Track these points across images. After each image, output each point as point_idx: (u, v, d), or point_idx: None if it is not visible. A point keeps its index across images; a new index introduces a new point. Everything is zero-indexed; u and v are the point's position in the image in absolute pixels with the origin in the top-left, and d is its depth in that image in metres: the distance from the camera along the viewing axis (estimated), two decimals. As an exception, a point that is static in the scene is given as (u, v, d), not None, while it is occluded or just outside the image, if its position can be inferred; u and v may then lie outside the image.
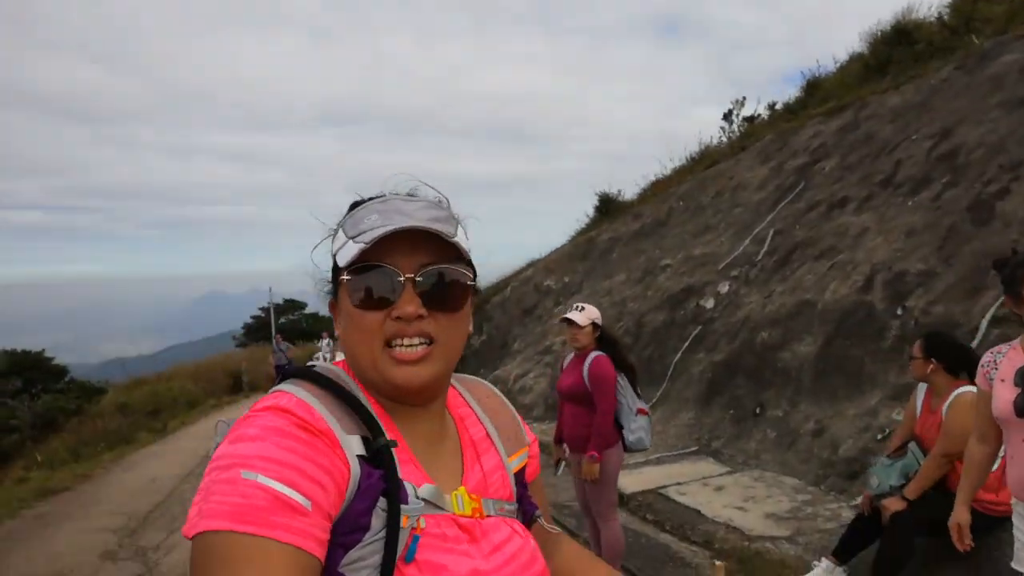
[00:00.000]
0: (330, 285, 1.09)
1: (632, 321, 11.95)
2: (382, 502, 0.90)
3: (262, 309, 44.96)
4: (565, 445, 5.01)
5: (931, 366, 4.24)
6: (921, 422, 4.35)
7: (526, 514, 1.16)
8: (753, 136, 15.95)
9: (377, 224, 0.99)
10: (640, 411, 4.82)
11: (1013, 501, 2.98)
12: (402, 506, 0.91)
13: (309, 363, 1.11)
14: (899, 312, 7.17)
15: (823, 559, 4.65)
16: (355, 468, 0.90)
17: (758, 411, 8.01)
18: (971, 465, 3.13)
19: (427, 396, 1.04)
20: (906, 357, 4.43)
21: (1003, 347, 3.01)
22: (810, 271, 8.97)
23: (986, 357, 3.06)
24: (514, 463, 1.18)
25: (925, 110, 10.29)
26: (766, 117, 17.86)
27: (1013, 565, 3.02)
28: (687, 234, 13.52)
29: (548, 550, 1.18)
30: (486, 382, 1.29)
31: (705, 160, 17.33)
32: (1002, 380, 2.90)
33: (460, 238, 1.04)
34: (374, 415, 0.97)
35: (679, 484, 6.86)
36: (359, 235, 1.00)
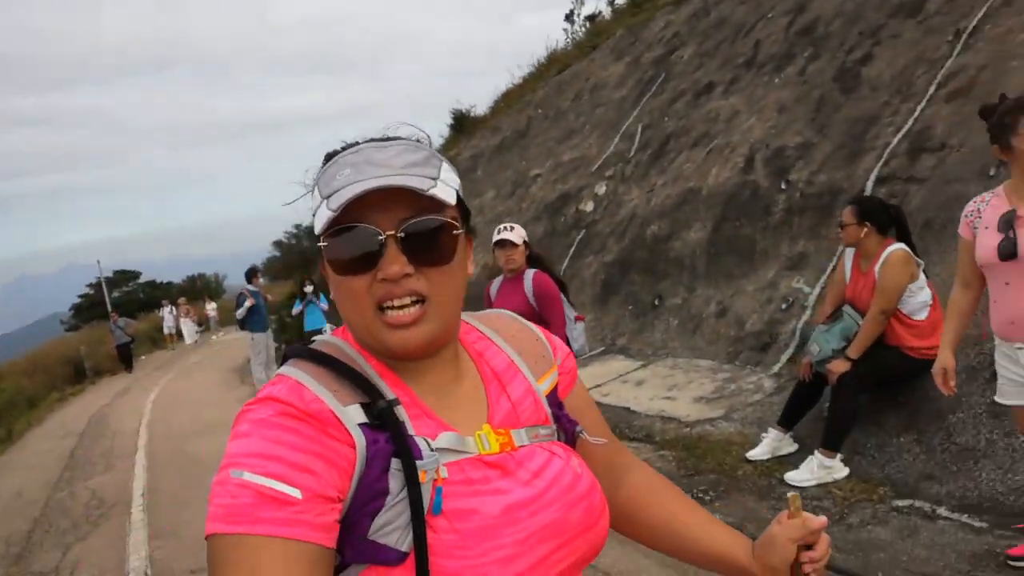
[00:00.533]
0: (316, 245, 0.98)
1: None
2: (396, 463, 0.86)
3: (90, 286, 41.38)
4: None
5: (864, 230, 4.21)
6: (852, 285, 4.33)
7: (566, 432, 1.08)
8: (603, 34, 15.76)
9: (350, 180, 0.91)
10: (578, 318, 4.64)
11: (997, 341, 2.95)
12: (417, 462, 0.86)
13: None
14: (783, 187, 7.27)
15: (770, 429, 4.65)
16: (359, 438, 0.86)
17: (657, 302, 8.02)
18: (955, 312, 3.08)
19: (429, 353, 0.97)
20: (837, 225, 4.38)
21: (986, 195, 2.95)
22: (688, 159, 8.97)
23: (969, 207, 3.00)
24: (544, 384, 1.11)
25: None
26: (609, 14, 17.72)
27: (996, 398, 3.02)
28: (552, 141, 13.29)
29: (616, 475, 1.17)
30: (505, 311, 1.21)
31: (556, 65, 17.05)
32: (986, 227, 2.85)
33: (443, 180, 0.94)
34: (371, 379, 0.93)
35: (599, 386, 6.76)
36: (332, 194, 0.91)
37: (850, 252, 4.44)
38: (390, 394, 0.93)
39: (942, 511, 3.50)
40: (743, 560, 1.09)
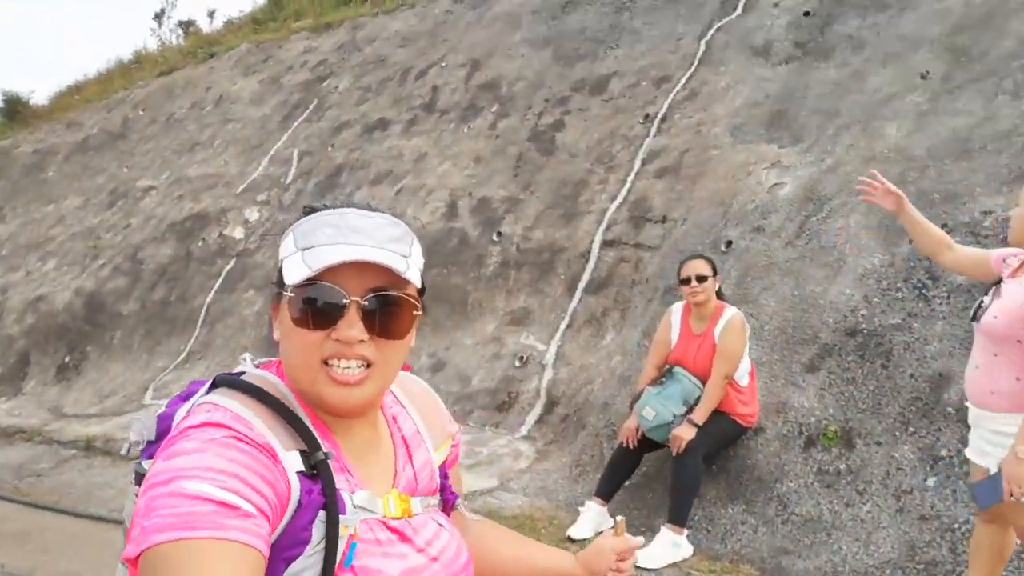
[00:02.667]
0: (275, 286, 1.03)
1: (120, 255, 9.43)
2: (321, 514, 0.91)
3: None
4: None
5: (718, 284, 4.17)
6: (682, 347, 4.24)
7: (446, 503, 1.16)
8: (219, 44, 14.09)
9: (329, 240, 0.96)
10: None
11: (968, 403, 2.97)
12: (341, 516, 0.91)
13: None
14: (495, 238, 7.11)
15: (588, 502, 4.27)
16: (295, 485, 0.90)
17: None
18: None
19: (362, 414, 1.03)
20: (685, 279, 4.18)
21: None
22: (372, 195, 8.29)
23: (1001, 253, 2.99)
24: (439, 455, 1.17)
25: (437, 39, 10.42)
26: (214, 24, 16.05)
27: (966, 452, 3.02)
28: (167, 151, 11.26)
29: (462, 530, 1.20)
30: (415, 376, 1.25)
31: (151, 66, 14.73)
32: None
33: (413, 258, 1.01)
34: (311, 429, 0.96)
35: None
36: (308, 249, 0.96)
37: (677, 309, 4.36)
38: (325, 445, 0.95)
39: (826, 587, 3.51)
40: (572, 570, 1.30)
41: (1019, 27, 5.60)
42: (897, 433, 3.97)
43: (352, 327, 0.94)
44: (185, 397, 1.03)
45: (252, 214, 9.13)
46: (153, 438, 1.01)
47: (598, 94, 8.05)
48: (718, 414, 4.08)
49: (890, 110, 5.80)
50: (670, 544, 3.85)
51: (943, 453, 3.78)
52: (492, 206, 7.41)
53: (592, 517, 4.19)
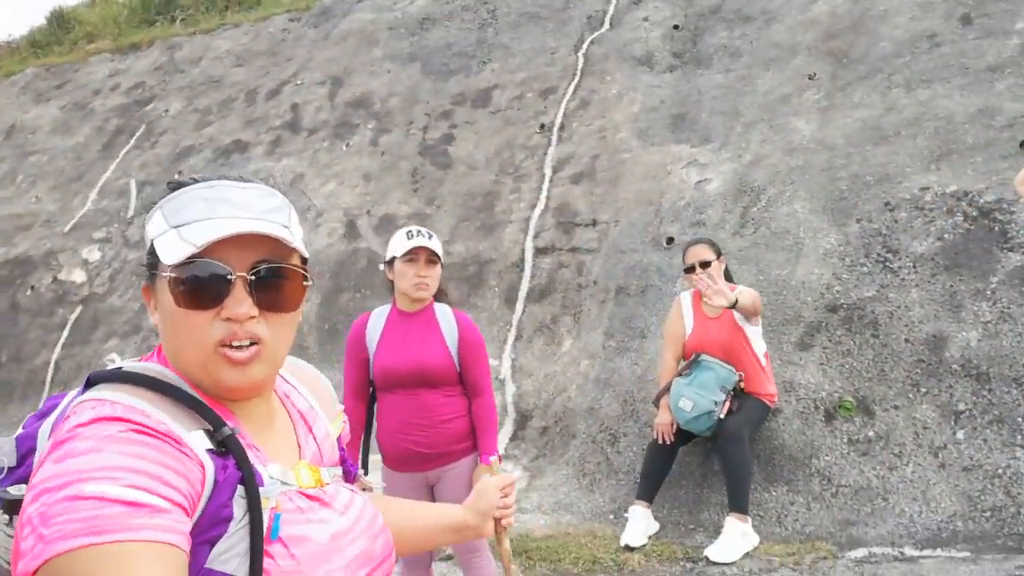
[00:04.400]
0: (146, 268, 0.98)
1: (-88, 319, 7.64)
2: (240, 489, 0.88)
3: None
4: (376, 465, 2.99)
5: (723, 266, 4.15)
6: (699, 333, 4.17)
7: (348, 474, 1.17)
8: (-8, 69, 12.09)
9: (205, 214, 0.92)
10: None
11: None
12: (260, 488, 0.89)
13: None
14: (409, 256, 6.67)
15: (632, 508, 4.05)
16: (208, 464, 0.86)
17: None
18: None
19: (257, 394, 1.01)
20: (690, 267, 4.13)
21: None
22: (248, 223, 7.44)
23: None
24: (335, 428, 1.19)
25: (280, 58, 9.74)
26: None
27: None
28: (-49, 190, 9.39)
29: None
30: (297, 358, 1.23)
31: None
32: None
33: (293, 228, 0.99)
34: (208, 406, 0.92)
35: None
36: (183, 225, 0.92)
37: (686, 298, 4.29)
38: (229, 422, 0.92)
39: (911, 551, 3.57)
40: (463, 517, 1.37)
41: (890, 31, 6.29)
42: (911, 395, 4.18)
43: (241, 303, 0.91)
44: (42, 415, 0.96)
45: (91, 254, 7.82)
46: (14, 463, 0.92)
47: (482, 107, 7.91)
48: (748, 396, 4.06)
49: (790, 107, 6.24)
50: (740, 534, 3.73)
51: (961, 407, 4.04)
52: (397, 223, 6.93)
53: (640, 521, 3.97)
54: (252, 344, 0.93)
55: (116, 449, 0.79)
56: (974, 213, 4.71)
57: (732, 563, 3.63)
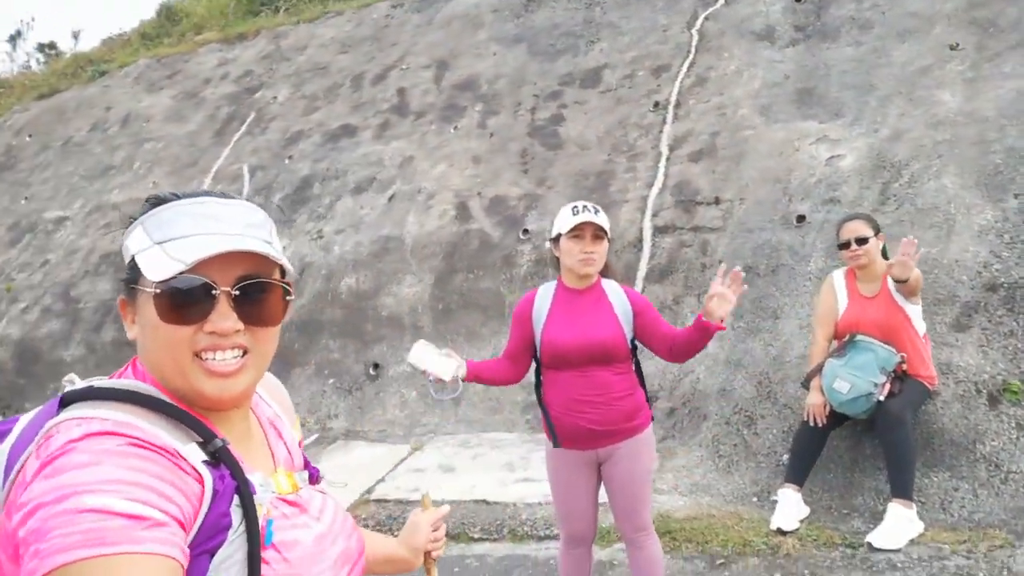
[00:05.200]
0: (124, 283, 0.99)
1: (48, 295, 8.04)
2: (235, 498, 0.90)
3: None
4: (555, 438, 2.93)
5: (881, 243, 3.92)
6: (854, 313, 3.95)
7: (312, 477, 1.16)
8: (108, 62, 12.64)
9: (190, 231, 0.93)
10: None
11: None
12: (254, 496, 0.92)
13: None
14: (522, 236, 6.61)
15: (781, 491, 3.87)
16: (207, 476, 0.88)
17: (373, 372, 6.33)
18: None
19: (240, 403, 1.02)
20: (845, 243, 3.92)
21: None
22: (360, 205, 7.53)
23: None
24: (296, 434, 1.21)
25: (384, 43, 9.83)
26: (91, 43, 14.45)
27: None
28: (76, 177, 9.86)
29: None
30: None
31: (22, 91, 13.03)
32: None
33: (276, 245, 1.00)
34: (198, 419, 0.93)
35: (382, 480, 4.89)
36: (168, 241, 0.93)
37: (839, 275, 4.08)
38: (219, 433, 0.93)
39: (1101, 538, 3.29)
40: (396, 550, 1.43)
41: (1043, -4, 5.86)
42: (1087, 378, 3.87)
43: (226, 318, 0.93)
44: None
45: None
46: None
47: (591, 87, 7.78)
48: (909, 378, 3.82)
49: (931, 79, 5.90)
50: (905, 520, 3.51)
51: None
52: (509, 204, 6.90)
53: (792, 504, 3.79)
54: (237, 356, 0.95)
55: (115, 462, 0.79)
56: None
57: (898, 550, 3.42)
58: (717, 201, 6.05)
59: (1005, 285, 4.36)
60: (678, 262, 5.85)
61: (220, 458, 0.91)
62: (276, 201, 8.02)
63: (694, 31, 7.78)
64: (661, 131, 6.89)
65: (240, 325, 0.95)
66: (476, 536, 4.16)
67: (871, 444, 4.05)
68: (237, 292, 0.94)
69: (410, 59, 9.24)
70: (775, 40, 7.20)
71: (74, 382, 0.95)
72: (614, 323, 2.82)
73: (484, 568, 3.83)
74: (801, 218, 5.52)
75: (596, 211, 2.82)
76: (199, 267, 0.91)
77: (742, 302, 5.27)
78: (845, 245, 3.93)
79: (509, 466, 4.91)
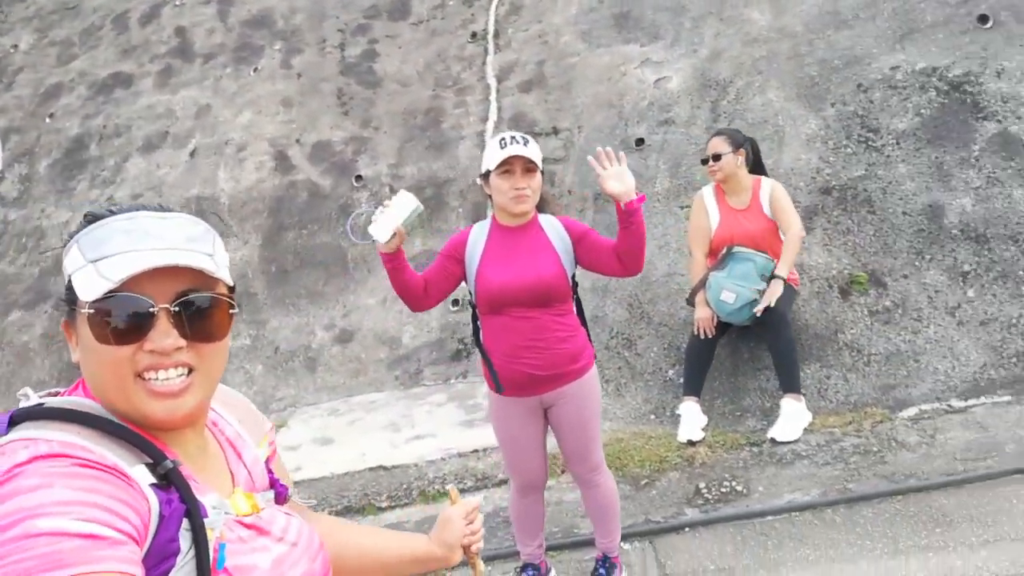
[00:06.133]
0: (64, 304, 0.96)
1: None
2: (185, 522, 0.88)
3: None
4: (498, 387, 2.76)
5: (740, 159, 4.07)
6: (727, 226, 4.11)
7: (279, 495, 1.15)
8: None
9: (124, 247, 0.90)
10: None
11: None
12: (205, 520, 0.89)
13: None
14: (356, 183, 6.21)
15: (683, 404, 4.01)
16: (153, 499, 0.85)
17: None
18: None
19: (191, 423, 0.98)
20: (703, 160, 4.04)
21: None
22: (158, 164, 6.64)
23: None
24: (262, 451, 1.16)
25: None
26: None
27: None
28: None
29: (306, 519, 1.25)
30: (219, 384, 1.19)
31: None
32: None
33: (217, 255, 0.97)
34: (148, 440, 0.90)
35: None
36: (101, 259, 0.89)
37: (708, 192, 4.22)
38: (169, 454, 0.90)
39: (957, 403, 3.75)
40: (428, 548, 1.36)
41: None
42: (917, 264, 4.36)
43: (166, 336, 0.90)
44: None
45: (-36, 215, 6.72)
46: None
47: (401, 19, 7.37)
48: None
49: (740, 0, 6.21)
50: (798, 412, 3.78)
51: (967, 268, 4.26)
52: (335, 149, 6.42)
53: (693, 416, 3.94)
54: (181, 375, 0.92)
55: (66, 483, 0.77)
56: (945, 87, 4.90)
57: (797, 440, 3.68)
58: (556, 131, 6.02)
59: (837, 188, 4.77)
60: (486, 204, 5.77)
61: (170, 479, 0.88)
62: (42, 171, 6.84)
63: (499, -42, 7.58)
64: (484, 62, 6.70)
65: (182, 342, 0.91)
66: (384, 505, 3.92)
67: (747, 348, 4.30)
68: (176, 308, 0.91)
69: (183, -6, 8.17)
70: (582, -35, 7.20)
71: (28, 396, 0.91)
72: (554, 261, 2.67)
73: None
74: (640, 141, 5.65)
75: (526, 142, 2.62)
76: (135, 285, 0.88)
77: (599, 229, 5.34)
78: (705, 161, 4.06)
79: (393, 426, 4.66)
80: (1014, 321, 4.00)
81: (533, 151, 2.60)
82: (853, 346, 4.17)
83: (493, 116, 6.27)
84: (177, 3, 8.08)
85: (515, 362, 2.67)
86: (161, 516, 0.85)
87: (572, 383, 2.74)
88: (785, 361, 3.86)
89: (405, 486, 4.01)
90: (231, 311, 0.98)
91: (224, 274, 0.97)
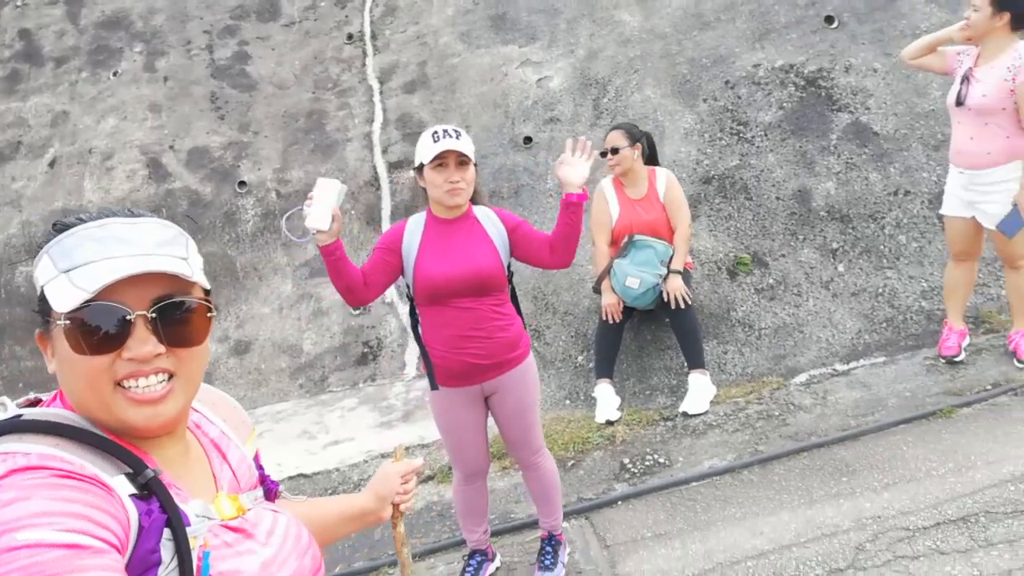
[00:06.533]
0: (38, 315, 0.94)
1: None
2: (166, 532, 0.87)
3: None
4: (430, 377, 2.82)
5: (636, 153, 4.29)
6: (627, 216, 4.34)
7: (269, 492, 1.19)
8: None
9: (96, 256, 0.88)
10: None
11: (950, 165, 3.78)
12: (187, 528, 0.89)
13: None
14: (239, 190, 6.01)
15: (598, 387, 4.20)
16: (132, 510, 0.85)
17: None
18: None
19: (172, 429, 0.99)
20: (602, 152, 4.22)
21: (970, 51, 3.65)
22: (11, 176, 6.13)
23: (957, 51, 3.69)
24: (249, 448, 1.18)
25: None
26: None
27: (940, 211, 3.87)
28: None
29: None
30: (204, 384, 1.19)
31: None
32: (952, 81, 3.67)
33: (191, 259, 0.97)
34: (128, 450, 0.89)
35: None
36: (73, 269, 0.88)
37: (607, 184, 4.42)
38: (149, 463, 0.90)
39: (841, 366, 4.15)
40: (363, 502, 1.41)
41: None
42: (792, 244, 4.78)
43: (145, 343, 0.89)
44: None
45: None
46: None
47: (271, 20, 7.18)
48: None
49: (608, 1, 6.52)
50: (705, 386, 4.06)
51: (835, 246, 4.72)
52: (214, 155, 6.17)
53: (608, 397, 4.14)
54: (162, 381, 0.91)
55: (45, 495, 0.76)
56: (802, 83, 5.38)
57: (706, 412, 3.96)
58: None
59: (716, 177, 5.14)
60: (419, 197, 5.79)
61: (151, 489, 0.86)
62: None
63: (369, -41, 7.53)
64: (364, 64, 6.66)
65: (161, 348, 0.90)
66: (312, 513, 3.83)
67: (650, 331, 4.56)
68: (153, 315, 0.90)
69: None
70: (454, -33, 7.30)
71: (6, 407, 0.90)
72: (491, 251, 2.75)
73: (341, 542, 3.58)
74: (528, 139, 5.82)
75: (458, 135, 2.68)
76: (109, 292, 0.87)
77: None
78: (604, 154, 4.27)
79: (307, 434, 4.57)
80: (880, 291, 4.49)
81: (465, 144, 2.67)
82: (745, 322, 4.52)
83: (379, 117, 6.24)
84: (18, 3, 7.45)
85: (457, 352, 2.73)
86: (141, 527, 0.84)
87: (512, 370, 2.83)
88: (690, 339, 4.13)
89: (330, 491, 3.95)
90: (208, 314, 0.97)
91: (200, 277, 0.96)
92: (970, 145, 3.63)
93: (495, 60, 6.38)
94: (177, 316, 0.92)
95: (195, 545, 0.88)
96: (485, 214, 2.82)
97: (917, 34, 4.85)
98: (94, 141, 6.25)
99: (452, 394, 2.83)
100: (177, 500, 0.91)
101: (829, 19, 5.65)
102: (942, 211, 3.94)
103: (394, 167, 5.95)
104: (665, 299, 4.12)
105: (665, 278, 4.16)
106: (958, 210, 3.78)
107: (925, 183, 4.79)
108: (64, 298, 0.87)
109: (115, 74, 6.77)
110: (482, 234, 2.77)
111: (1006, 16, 3.51)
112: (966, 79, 3.62)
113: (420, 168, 2.71)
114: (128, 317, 0.89)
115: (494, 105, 6.09)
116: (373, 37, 6.83)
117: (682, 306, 4.10)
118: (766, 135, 5.22)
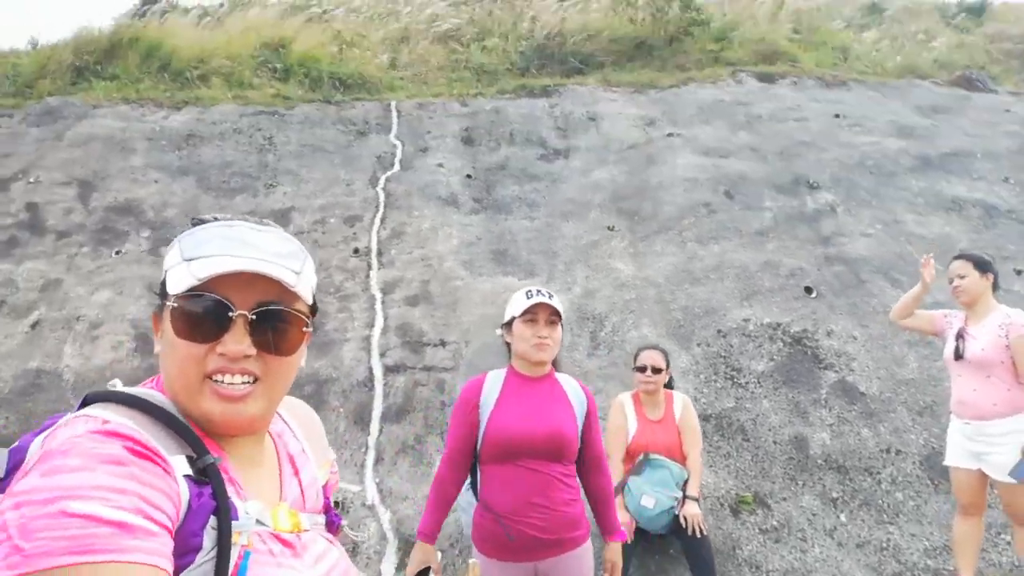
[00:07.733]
0: (157, 296, 1.01)
1: None
2: (212, 520, 0.87)
3: None
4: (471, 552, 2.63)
5: (667, 377, 4.42)
6: (645, 434, 4.36)
7: (331, 524, 1.17)
8: None
9: (218, 251, 0.94)
10: None
11: (952, 416, 3.96)
12: (234, 522, 0.89)
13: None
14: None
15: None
16: (183, 489, 0.86)
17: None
18: None
19: (250, 431, 1.01)
20: (646, 367, 4.35)
21: (957, 314, 4.02)
22: (1, 333, 5.87)
23: (944, 315, 4.02)
24: (321, 475, 1.18)
25: (11, 159, 8.22)
26: None
27: (945, 462, 3.97)
28: None
29: None
30: (298, 399, 1.26)
31: None
32: (947, 338, 3.99)
33: (305, 275, 1.02)
34: (195, 432, 0.93)
35: None
36: (194, 259, 0.95)
37: (626, 399, 4.47)
38: (217, 451, 0.93)
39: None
40: None
41: (670, 198, 7.60)
42: (792, 488, 4.82)
43: (240, 341, 0.93)
44: (39, 432, 0.89)
45: None
46: (2, 475, 0.86)
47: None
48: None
49: (602, 251, 7.08)
50: (722, 623, 3.83)
51: (835, 495, 4.77)
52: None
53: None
54: (246, 382, 0.95)
55: (106, 470, 0.78)
56: (789, 340, 5.77)
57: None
58: (443, 343, 6.18)
59: (713, 416, 5.27)
60: (415, 401, 5.74)
61: (208, 475, 0.88)
62: None
63: (379, 189, 8.12)
64: (368, 275, 6.89)
65: (252, 350, 0.94)
66: None
67: (654, 561, 4.37)
68: (254, 317, 0.94)
69: (40, 173, 7.79)
70: (459, 206, 7.91)
71: (116, 386, 0.95)
72: (570, 415, 2.72)
73: None
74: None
75: (550, 296, 2.78)
76: (221, 288, 0.92)
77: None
78: (642, 369, 4.36)
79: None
80: (884, 544, 4.47)
81: (557, 304, 2.75)
82: (751, 562, 4.38)
83: (379, 323, 6.34)
84: (31, 180, 7.65)
85: (517, 520, 2.58)
86: (189, 507, 0.85)
87: (572, 552, 2.67)
88: (706, 567, 3.96)
89: None
90: (305, 328, 1.01)
91: (306, 293, 1.00)
92: (974, 396, 3.87)
93: (496, 287, 6.70)
94: (275, 323, 0.96)
95: (237, 541, 0.87)
96: (567, 380, 2.83)
97: (888, 312, 5.36)
98: (84, 310, 6.12)
99: (498, 570, 2.62)
100: (232, 495, 0.91)
101: (808, 289, 6.21)
102: (947, 462, 4.07)
103: (391, 370, 5.93)
104: (683, 524, 4.01)
105: (681, 503, 4.09)
106: (964, 461, 3.92)
107: (914, 444, 5.00)
108: (179, 281, 0.93)
109: (117, 252, 6.83)
110: (563, 396, 2.76)
111: (991, 277, 3.96)
112: (960, 336, 3.97)
113: (509, 324, 2.75)
114: (231, 313, 0.93)
115: (494, 325, 6.25)
116: (379, 254, 7.15)
117: (699, 535, 3.99)
118: (759, 383, 5.47)
